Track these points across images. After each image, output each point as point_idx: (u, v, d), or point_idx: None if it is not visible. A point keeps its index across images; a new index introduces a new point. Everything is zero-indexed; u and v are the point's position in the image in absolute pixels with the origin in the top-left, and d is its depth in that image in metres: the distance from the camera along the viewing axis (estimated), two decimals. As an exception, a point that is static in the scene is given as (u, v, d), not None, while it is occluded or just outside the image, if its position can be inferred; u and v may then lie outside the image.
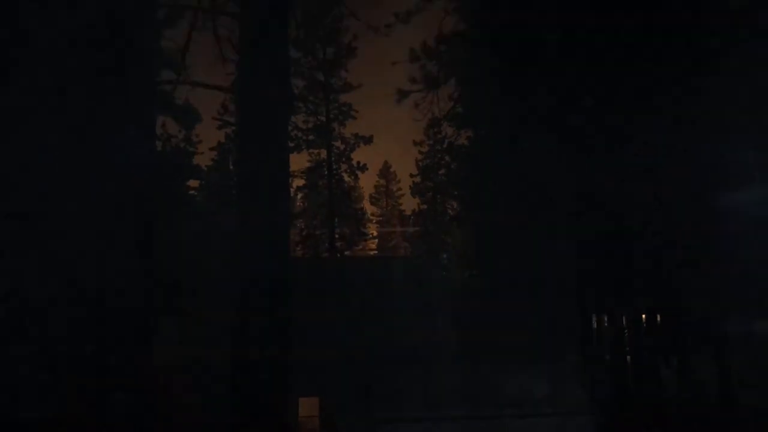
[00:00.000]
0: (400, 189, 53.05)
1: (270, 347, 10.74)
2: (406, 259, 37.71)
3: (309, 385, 21.62)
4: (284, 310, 11.11)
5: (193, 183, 33.08)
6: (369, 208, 51.30)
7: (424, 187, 41.62)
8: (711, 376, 23.12)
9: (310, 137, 33.45)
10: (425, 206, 41.50)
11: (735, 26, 14.44)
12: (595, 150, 17.41)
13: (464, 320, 26.33)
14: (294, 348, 11.50)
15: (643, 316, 21.59)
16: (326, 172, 33.59)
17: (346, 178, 35.03)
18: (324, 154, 33.79)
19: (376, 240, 52.79)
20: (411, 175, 42.83)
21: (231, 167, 33.93)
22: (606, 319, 23.29)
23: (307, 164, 33.71)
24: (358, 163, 34.92)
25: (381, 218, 53.96)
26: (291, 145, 29.23)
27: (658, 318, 24.31)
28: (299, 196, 36.31)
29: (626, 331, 20.63)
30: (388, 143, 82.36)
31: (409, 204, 51.15)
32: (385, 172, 53.73)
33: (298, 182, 33.79)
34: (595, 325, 26.56)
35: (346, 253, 35.34)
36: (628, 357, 20.27)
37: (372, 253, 48.84)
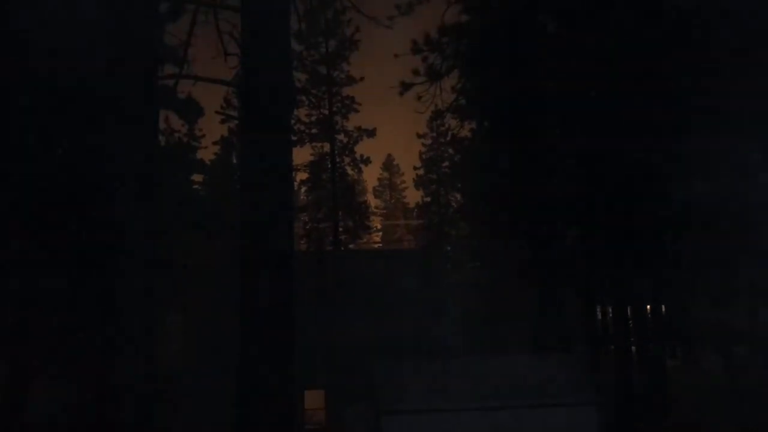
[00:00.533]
0: (403, 182, 53.12)
1: (274, 340, 10.76)
2: (410, 252, 37.71)
3: (314, 378, 21.73)
4: (288, 302, 11.13)
5: (197, 177, 33.17)
6: (373, 201, 51.41)
7: (427, 180, 41.57)
8: (717, 367, 23.16)
9: (313, 131, 33.40)
10: (429, 199, 41.47)
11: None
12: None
13: (469, 312, 26.37)
14: (299, 341, 11.53)
15: (648, 307, 21.62)
16: (330, 166, 33.54)
17: (349, 171, 35.00)
18: (327, 147, 33.73)
19: (380, 233, 52.85)
20: (414, 168, 42.81)
21: (234, 161, 33.97)
22: (611, 309, 23.30)
23: (311, 158, 33.68)
24: (362, 156, 34.88)
25: (385, 211, 53.98)
26: (294, 138, 29.21)
27: (663, 309, 24.32)
28: (303, 189, 36.30)
29: (631, 321, 20.64)
30: (391, 136, 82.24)
31: (413, 197, 51.06)
32: (389, 164, 53.73)
33: (302, 176, 33.78)
34: (600, 316, 26.60)
35: (350, 246, 35.35)
36: (633, 347, 20.29)
37: (376, 246, 48.90)
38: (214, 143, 35.01)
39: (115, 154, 11.84)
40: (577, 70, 17.32)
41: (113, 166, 11.89)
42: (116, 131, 11.76)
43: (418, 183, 42.75)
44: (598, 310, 26.27)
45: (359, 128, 34.26)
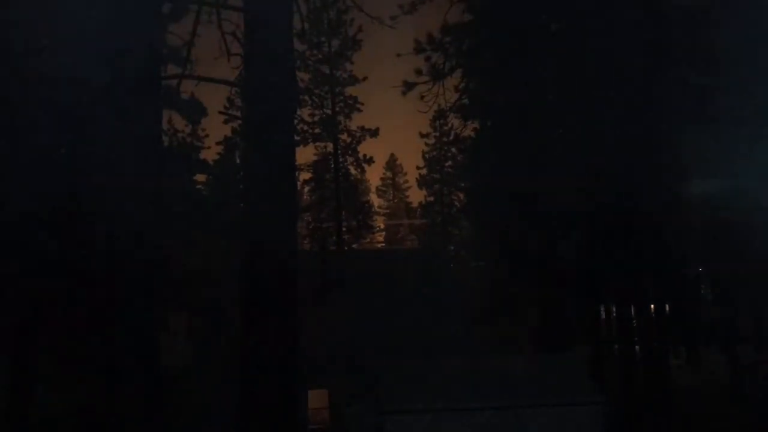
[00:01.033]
0: (406, 181, 53.04)
1: (278, 340, 10.77)
2: (413, 252, 37.69)
3: (318, 378, 21.71)
4: (291, 302, 11.14)
5: (200, 177, 33.19)
6: (376, 201, 51.39)
7: (430, 179, 41.60)
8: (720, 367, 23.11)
9: (317, 130, 33.44)
10: (432, 198, 41.50)
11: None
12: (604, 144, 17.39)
13: (471, 312, 26.32)
14: (302, 341, 11.54)
15: (652, 306, 21.58)
16: (333, 166, 33.58)
17: (352, 171, 35.04)
18: (330, 147, 33.78)
19: (383, 233, 52.83)
20: (417, 168, 42.84)
21: (237, 161, 34.00)
22: (615, 309, 23.29)
23: (314, 157, 33.75)
24: (365, 155, 34.90)
25: (388, 211, 53.94)
26: (297, 138, 29.22)
27: (667, 308, 24.29)
28: (306, 189, 36.34)
29: (634, 321, 20.61)
30: (394, 136, 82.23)
31: (416, 196, 51.08)
32: (392, 164, 53.70)
33: (305, 176, 33.83)
34: (603, 315, 26.59)
35: (353, 246, 35.37)
36: (636, 347, 20.27)
37: (379, 245, 48.88)
38: (218, 143, 35.12)
39: (117, 154, 11.86)
40: (579, 70, 17.31)
41: (115, 167, 11.91)
42: (118, 131, 11.78)
43: (421, 183, 42.80)
44: (602, 309, 26.27)
45: (362, 128, 34.31)
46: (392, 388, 12.32)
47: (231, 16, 13.02)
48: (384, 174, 54.69)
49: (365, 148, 42.92)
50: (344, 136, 34.08)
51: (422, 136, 40.35)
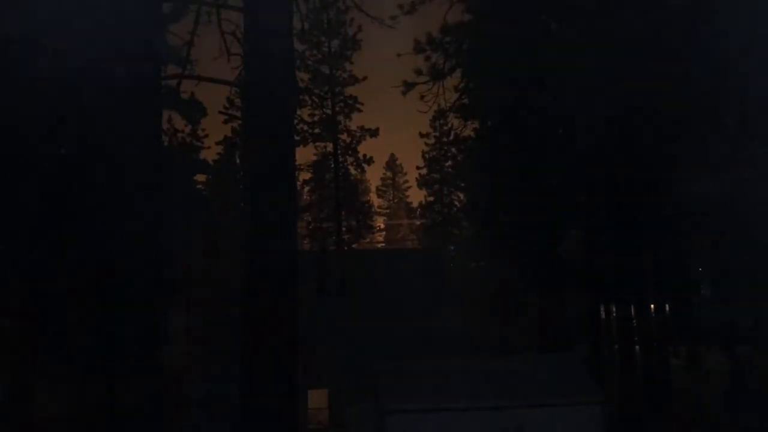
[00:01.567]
0: (406, 181, 53.07)
1: (278, 339, 10.77)
2: (413, 252, 37.71)
3: (318, 377, 21.73)
4: (291, 302, 11.13)
5: (200, 177, 33.20)
6: (375, 201, 51.40)
7: (430, 179, 41.58)
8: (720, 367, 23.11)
9: (316, 130, 33.45)
10: (432, 198, 41.48)
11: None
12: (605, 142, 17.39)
13: (472, 311, 26.34)
14: (302, 340, 11.53)
15: (652, 306, 21.60)
16: (332, 165, 33.59)
17: (352, 171, 35.07)
18: (330, 147, 33.79)
19: (383, 233, 52.83)
20: (417, 167, 42.82)
21: (237, 161, 34.01)
22: (614, 309, 23.28)
23: (314, 157, 33.76)
24: (365, 155, 34.91)
25: (388, 211, 53.96)
26: (297, 138, 29.24)
27: (667, 308, 24.29)
28: (306, 189, 36.35)
29: (634, 321, 20.62)
30: (394, 135, 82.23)
31: (416, 196, 51.09)
32: (392, 164, 53.71)
33: (305, 176, 33.83)
34: (603, 315, 26.57)
35: (353, 246, 35.38)
36: (637, 347, 20.27)
37: (379, 245, 48.90)
38: (217, 143, 35.11)
39: (117, 154, 11.85)
40: (580, 69, 17.29)
41: (115, 167, 11.91)
42: (118, 131, 11.77)
43: (421, 182, 42.77)
44: (602, 309, 26.25)
45: (362, 128, 34.33)
46: (392, 388, 12.32)
47: (231, 16, 13.03)
48: (384, 174, 54.75)
49: (365, 148, 43.01)
50: (344, 136, 34.09)
51: (422, 136, 40.38)
